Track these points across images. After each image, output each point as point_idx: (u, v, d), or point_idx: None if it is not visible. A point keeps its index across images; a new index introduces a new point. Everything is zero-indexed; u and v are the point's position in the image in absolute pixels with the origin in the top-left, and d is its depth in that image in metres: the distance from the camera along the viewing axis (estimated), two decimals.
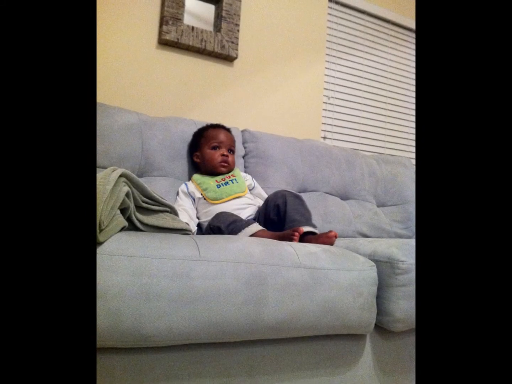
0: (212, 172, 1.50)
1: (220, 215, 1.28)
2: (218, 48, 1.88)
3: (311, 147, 1.83)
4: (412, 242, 1.12)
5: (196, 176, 1.49)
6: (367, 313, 0.97)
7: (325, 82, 2.27)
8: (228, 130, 1.59)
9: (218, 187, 1.44)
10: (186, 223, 1.20)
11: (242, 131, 1.76)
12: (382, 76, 2.47)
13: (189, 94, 1.89)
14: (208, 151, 1.50)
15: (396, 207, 1.94)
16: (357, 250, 1.14)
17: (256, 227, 1.19)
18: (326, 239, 1.13)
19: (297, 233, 1.13)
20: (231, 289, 0.81)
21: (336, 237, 1.14)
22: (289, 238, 1.12)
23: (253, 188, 1.57)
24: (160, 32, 1.79)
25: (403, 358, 1.11)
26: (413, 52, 2.58)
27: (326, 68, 2.28)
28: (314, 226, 1.22)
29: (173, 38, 1.79)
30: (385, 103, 2.48)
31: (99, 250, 0.74)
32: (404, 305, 1.00)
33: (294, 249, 0.95)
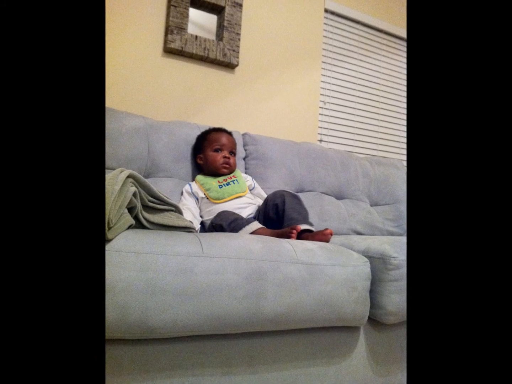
0: (214, 173, 1.50)
1: (222, 214, 1.28)
2: (220, 56, 1.88)
3: (308, 149, 1.83)
4: (404, 239, 1.12)
5: (199, 177, 1.49)
6: (361, 306, 0.97)
7: (321, 88, 2.27)
8: (229, 133, 1.59)
9: (220, 187, 1.44)
10: (190, 221, 1.20)
11: (243, 134, 1.76)
12: (375, 83, 2.47)
13: (193, 99, 1.89)
14: (210, 153, 1.50)
15: (388, 206, 1.94)
16: (351, 247, 1.14)
17: (256, 225, 1.19)
18: (322, 236, 1.13)
19: (295, 231, 1.13)
20: (233, 283, 0.81)
21: (331, 234, 1.14)
22: (287, 236, 1.12)
23: (253, 188, 1.57)
24: (165, 41, 1.79)
25: (395, 349, 1.11)
26: (404, 60, 2.58)
27: (322, 75, 2.28)
28: (311, 224, 1.22)
29: (177, 46, 1.79)
30: (377, 107, 2.48)
31: (107, 247, 0.73)
32: (396, 299, 1.00)
33: (292, 246, 0.94)
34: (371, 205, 1.94)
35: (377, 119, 2.47)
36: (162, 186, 1.42)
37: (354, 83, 2.39)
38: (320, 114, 2.26)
